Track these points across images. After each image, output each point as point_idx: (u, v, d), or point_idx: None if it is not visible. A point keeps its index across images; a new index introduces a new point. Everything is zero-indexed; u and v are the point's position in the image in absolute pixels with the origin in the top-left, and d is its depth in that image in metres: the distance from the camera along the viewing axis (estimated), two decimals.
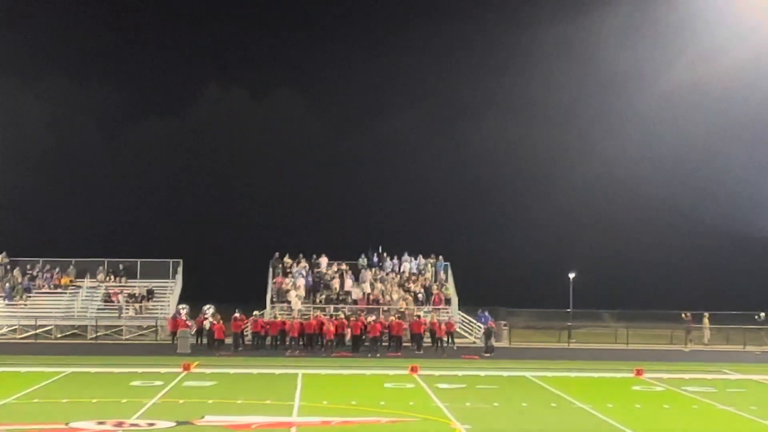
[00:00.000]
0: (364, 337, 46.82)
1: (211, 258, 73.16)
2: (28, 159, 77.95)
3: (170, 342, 47.92)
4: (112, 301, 53.64)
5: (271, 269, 54.61)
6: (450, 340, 48.56)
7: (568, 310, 58.62)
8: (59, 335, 52.01)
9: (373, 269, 55.13)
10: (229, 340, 46.37)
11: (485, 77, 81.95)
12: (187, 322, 48.41)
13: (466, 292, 54.39)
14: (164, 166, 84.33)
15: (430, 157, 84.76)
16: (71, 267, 56.00)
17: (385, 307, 51.22)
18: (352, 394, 30.35)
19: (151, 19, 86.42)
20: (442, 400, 28.82)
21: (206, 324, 47.13)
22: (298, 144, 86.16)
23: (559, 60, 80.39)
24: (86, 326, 52.28)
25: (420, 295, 53.09)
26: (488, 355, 45.22)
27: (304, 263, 55.10)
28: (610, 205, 78.16)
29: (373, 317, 48.11)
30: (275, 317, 49.20)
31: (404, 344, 47.06)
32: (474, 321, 52.23)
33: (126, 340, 51.71)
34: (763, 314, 55.43)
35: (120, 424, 23.57)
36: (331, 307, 51.68)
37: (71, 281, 55.30)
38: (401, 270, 55.54)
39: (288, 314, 50.11)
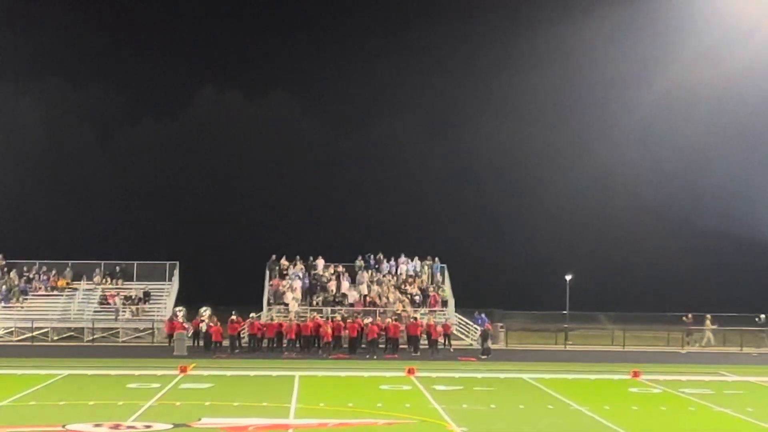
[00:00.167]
0: (361, 339, 46.83)
1: (207, 260, 73.12)
2: (25, 161, 77.84)
3: (167, 344, 47.91)
4: (109, 304, 53.60)
5: (267, 271, 54.60)
6: (447, 342, 48.59)
7: (565, 312, 58.65)
8: (56, 337, 51.99)
9: (370, 271, 55.13)
10: (225, 343, 46.33)
11: (481, 79, 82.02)
12: (184, 324, 48.38)
13: (462, 294, 54.40)
14: (160, 168, 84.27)
15: (427, 158, 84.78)
16: (68, 269, 55.96)
17: (382, 309, 51.22)
18: (349, 396, 30.37)
19: (147, 21, 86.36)
20: (439, 401, 28.83)
21: (202, 326, 47.12)
22: (294, 146, 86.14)
23: (556, 62, 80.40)
24: (83, 328, 52.25)
25: (417, 297, 53.10)
26: (485, 357, 45.23)
27: (300, 265, 55.10)
28: (606, 207, 78.19)
29: (370, 319, 48.09)
30: (272, 319, 49.18)
31: (401, 346, 47.06)
32: (470, 323, 52.23)
33: (123, 342, 51.67)
34: (763, 316, 55.47)
35: (117, 427, 23.55)
36: (328, 309, 51.67)
37: (68, 283, 55.27)
38: (398, 272, 55.55)
39: (285, 316, 50.09)
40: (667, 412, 28.14)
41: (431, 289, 54.03)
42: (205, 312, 48.68)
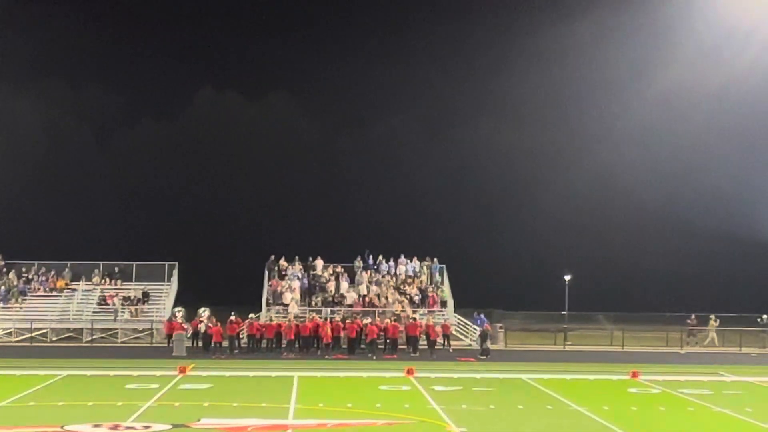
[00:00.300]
0: (360, 339, 46.83)
1: (206, 260, 73.12)
2: (24, 162, 77.85)
3: (166, 345, 47.90)
4: (108, 304, 53.60)
5: (266, 272, 54.60)
6: (446, 343, 48.60)
7: (564, 312, 58.67)
8: (55, 338, 51.97)
9: (369, 272, 55.14)
10: (225, 343, 46.31)
11: (481, 79, 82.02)
12: (183, 324, 48.37)
13: (461, 294, 54.40)
14: (159, 168, 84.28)
15: (426, 159, 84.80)
16: (67, 270, 55.95)
17: (381, 310, 51.22)
18: (348, 396, 30.37)
19: (146, 21, 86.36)
20: (438, 402, 28.84)
21: (201, 327, 47.11)
22: (293, 146, 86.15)
23: (556, 62, 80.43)
24: (82, 329, 52.23)
25: (416, 298, 53.11)
26: (484, 357, 45.24)
27: (299, 266, 55.12)
28: (605, 208, 78.22)
29: (369, 320, 48.09)
30: (271, 320, 49.17)
31: (400, 347, 47.07)
32: (469, 323, 52.24)
33: (121, 343, 51.67)
34: (765, 316, 55.50)
35: (116, 427, 23.55)
36: (327, 309, 51.68)
37: (67, 284, 55.26)
38: (397, 272, 55.56)
39: (284, 317, 50.08)
40: (666, 413, 28.15)
41: (430, 289, 54.04)
42: (204, 312, 48.68)
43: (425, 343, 47.27)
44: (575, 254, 71.63)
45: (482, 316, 51.27)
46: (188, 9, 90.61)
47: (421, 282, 54.84)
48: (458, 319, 52.56)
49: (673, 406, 29.61)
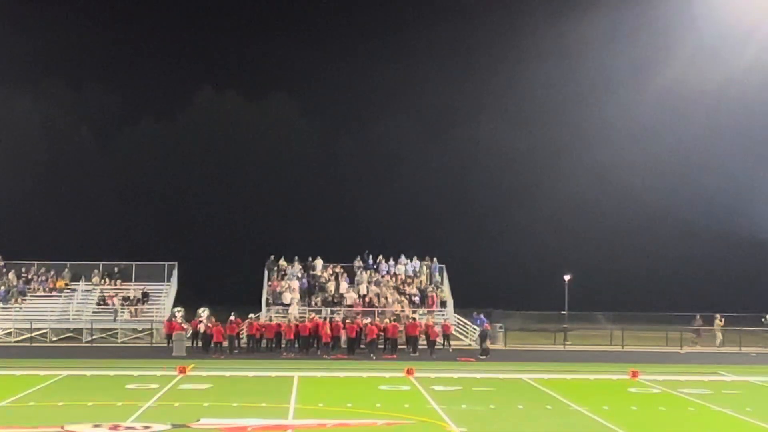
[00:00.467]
0: (360, 339, 46.81)
1: (206, 261, 73.16)
2: (23, 162, 77.85)
3: (166, 345, 47.89)
4: (108, 304, 53.59)
5: (266, 272, 54.60)
6: (446, 343, 48.59)
7: (564, 312, 58.64)
8: (54, 338, 51.95)
9: (369, 272, 55.13)
10: (226, 343, 46.28)
11: (480, 79, 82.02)
12: (183, 325, 48.37)
13: (461, 294, 54.39)
14: (159, 168, 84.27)
15: (425, 159, 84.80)
16: (66, 270, 55.93)
17: (381, 310, 51.21)
18: (348, 396, 30.37)
19: (146, 22, 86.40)
20: (438, 402, 28.83)
21: (201, 327, 47.10)
22: (292, 146, 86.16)
23: (556, 61, 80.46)
24: (81, 329, 52.22)
25: (415, 298, 53.11)
26: (483, 357, 45.23)
27: (299, 266, 55.11)
28: (605, 207, 78.24)
29: (369, 320, 48.08)
30: (271, 320, 49.16)
31: (400, 346, 47.07)
32: (469, 323, 52.24)
33: (121, 343, 51.66)
34: None
35: (116, 427, 23.55)
36: (327, 309, 51.67)
37: (66, 284, 55.25)
38: (397, 272, 55.55)
39: (283, 317, 50.08)
40: (666, 412, 28.15)
41: (430, 289, 54.03)
42: (204, 313, 48.67)
43: (425, 343, 47.27)
44: (575, 254, 71.62)
45: (482, 316, 51.26)
46: (188, 9, 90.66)
47: (420, 282, 54.84)
48: (458, 319, 52.55)
49: (673, 405, 29.60)
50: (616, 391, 33.64)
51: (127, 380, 33.68)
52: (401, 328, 47.88)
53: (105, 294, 54.35)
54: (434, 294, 53.53)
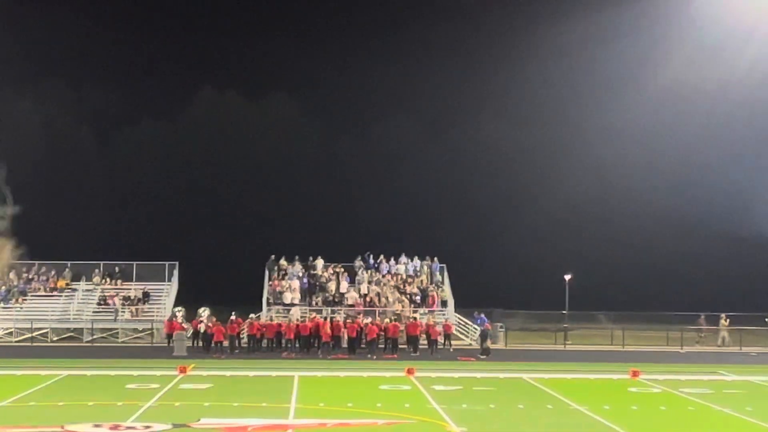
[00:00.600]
0: (361, 339, 46.81)
1: (207, 260, 73.09)
2: (23, 162, 77.76)
3: (166, 345, 47.90)
4: (108, 304, 53.60)
5: (267, 271, 54.60)
6: (447, 342, 48.60)
7: (564, 311, 58.62)
8: (55, 338, 51.98)
9: (369, 271, 55.13)
10: (226, 343, 46.29)
11: (480, 79, 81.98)
12: (183, 324, 48.38)
13: (461, 294, 54.39)
14: (159, 168, 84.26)
15: (426, 158, 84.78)
16: (67, 270, 55.95)
17: (381, 310, 51.21)
18: (349, 396, 30.37)
19: (147, 21, 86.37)
20: (439, 401, 28.83)
21: (201, 327, 47.10)
22: (293, 146, 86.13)
23: (556, 61, 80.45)
24: (82, 329, 52.24)
25: (416, 298, 53.11)
26: (484, 357, 45.24)
27: (299, 265, 55.11)
28: (605, 207, 78.19)
29: (369, 319, 48.09)
30: (271, 319, 49.16)
31: (400, 346, 47.06)
32: (470, 323, 52.25)
33: (122, 342, 51.67)
34: None
35: (116, 427, 23.55)
36: (328, 309, 51.67)
37: (67, 284, 55.26)
38: (397, 272, 55.54)
39: (284, 317, 50.09)
40: (666, 412, 28.14)
41: (431, 289, 54.03)
42: (204, 312, 48.69)
43: (425, 342, 47.28)
44: (575, 253, 71.56)
45: (482, 315, 51.26)
46: (189, 9, 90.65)
47: (421, 281, 54.84)
48: (458, 318, 52.56)
49: (674, 405, 29.60)
50: (616, 390, 33.64)
51: (127, 380, 33.69)
52: (402, 327, 47.88)
53: (106, 294, 54.37)
54: (435, 293, 53.53)
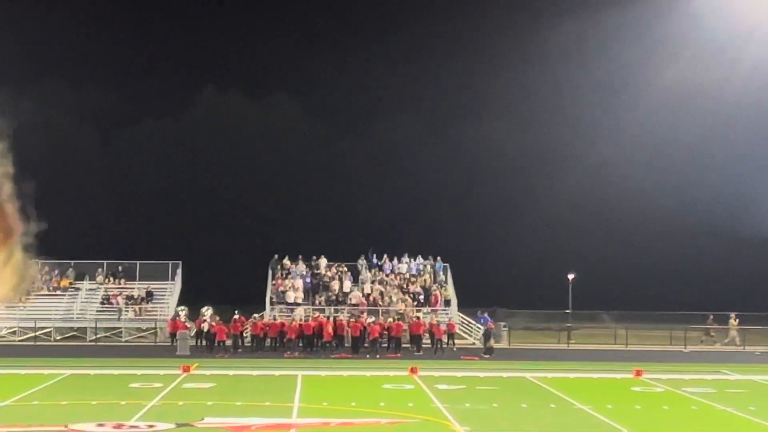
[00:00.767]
0: (364, 338, 46.82)
1: (210, 259, 73.07)
2: (25, 161, 77.79)
3: (169, 344, 47.91)
4: (111, 303, 53.63)
5: (270, 271, 54.62)
6: (450, 342, 48.57)
7: (568, 311, 58.58)
8: (58, 337, 52.00)
9: (372, 270, 55.14)
10: (229, 342, 46.32)
11: (483, 78, 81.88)
12: (186, 323, 48.41)
13: (465, 293, 54.37)
14: (162, 168, 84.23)
15: (429, 158, 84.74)
16: (70, 269, 55.98)
17: (384, 309, 51.21)
18: (352, 395, 30.38)
19: (148, 21, 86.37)
20: (442, 401, 28.84)
21: (204, 326, 47.11)
22: (296, 146, 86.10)
23: (558, 61, 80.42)
24: (85, 328, 52.26)
25: (419, 297, 53.11)
26: (487, 356, 45.23)
27: (303, 265, 55.12)
28: (609, 206, 78.11)
29: (373, 318, 48.10)
30: (275, 319, 49.16)
31: (403, 345, 47.07)
32: (473, 322, 52.25)
33: (125, 342, 51.70)
34: None
35: (120, 426, 23.57)
36: (331, 308, 51.68)
37: (70, 283, 55.29)
38: (400, 271, 55.54)
39: (287, 316, 50.10)
40: (669, 411, 28.14)
41: (434, 288, 54.03)
42: (207, 312, 48.68)
43: (429, 341, 47.28)
44: (579, 253, 71.51)
45: (486, 314, 51.27)
46: (190, 9, 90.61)
47: (424, 281, 54.82)
48: (462, 317, 52.56)
49: (677, 404, 29.60)
50: (620, 390, 33.64)
51: (131, 379, 33.71)
52: (405, 327, 47.89)
53: (109, 293, 54.38)
54: (438, 293, 53.52)
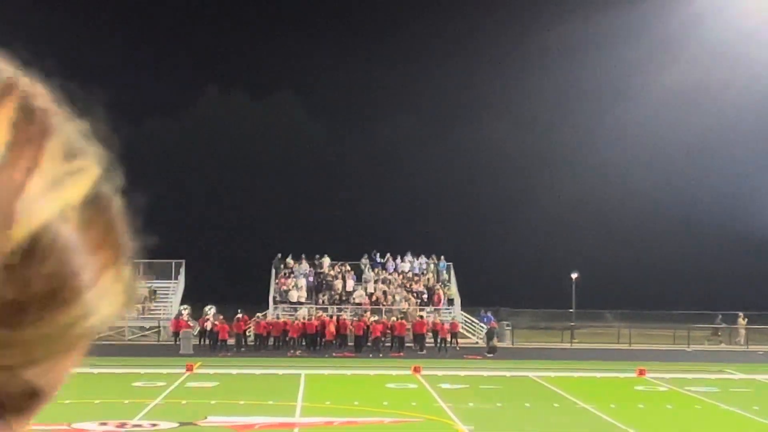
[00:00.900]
0: (367, 337, 46.83)
1: (213, 258, 73.20)
2: None
3: (173, 343, 47.93)
4: None
5: (273, 270, 54.63)
6: (453, 341, 48.57)
7: (571, 310, 58.60)
8: None
9: (376, 269, 55.13)
10: (231, 341, 46.37)
11: (485, 79, 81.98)
12: (190, 322, 48.43)
13: (468, 292, 54.39)
14: (165, 167, 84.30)
15: (432, 158, 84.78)
16: None
17: (388, 308, 51.21)
18: (355, 394, 30.38)
19: (151, 21, 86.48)
20: (445, 400, 28.82)
21: (208, 325, 47.14)
22: (299, 145, 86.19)
23: (559, 63, 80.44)
24: None
25: (423, 296, 53.11)
26: (491, 355, 45.22)
27: (306, 264, 55.14)
28: (612, 206, 78.15)
29: (376, 318, 48.09)
30: (278, 318, 49.18)
31: (407, 345, 47.07)
32: (476, 321, 52.24)
33: (129, 340, 51.70)
34: None
35: (123, 425, 23.58)
36: (334, 307, 51.69)
37: None
38: (404, 270, 55.55)
39: (290, 315, 50.12)
40: (673, 411, 28.13)
41: (437, 287, 54.02)
42: (210, 310, 48.71)
43: (432, 341, 47.29)
44: (582, 252, 71.55)
45: (489, 314, 51.29)
46: (194, 8, 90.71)
47: (428, 280, 54.83)
48: (465, 317, 52.56)
49: (680, 404, 29.58)
50: (623, 389, 33.62)
51: (134, 378, 33.72)
52: (408, 326, 47.89)
53: None
54: (441, 292, 53.52)
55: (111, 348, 47.82)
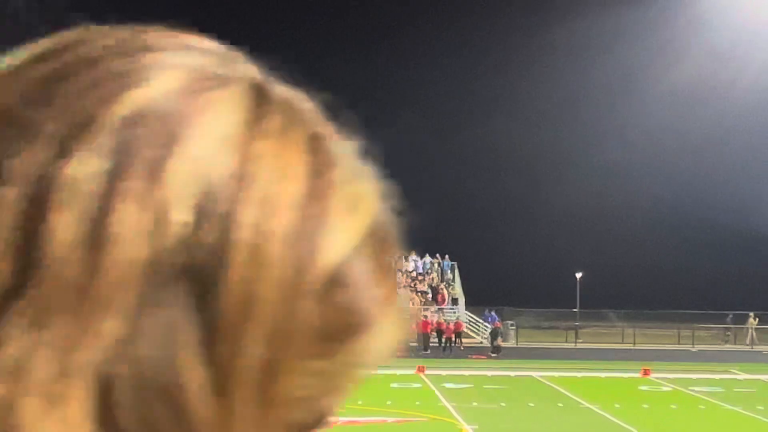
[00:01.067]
0: None
1: None
2: None
3: None
4: None
5: None
6: (457, 341, 48.58)
7: (575, 309, 58.62)
8: None
9: None
10: None
11: (491, 79, 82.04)
12: None
13: (472, 291, 54.48)
14: None
15: (437, 156, 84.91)
16: None
17: None
18: (358, 393, 30.27)
19: (150, 20, 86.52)
20: (449, 400, 28.82)
21: None
22: None
23: (566, 61, 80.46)
24: None
25: (427, 295, 53.10)
26: (495, 355, 45.21)
27: None
28: (616, 206, 78.22)
29: None
30: None
31: (410, 344, 47.04)
32: (481, 321, 52.23)
33: None
34: None
35: None
36: None
37: None
38: (407, 269, 55.54)
39: None
40: (677, 411, 28.09)
41: (442, 286, 54.02)
42: None
43: (436, 340, 47.30)
44: (586, 252, 71.64)
45: (493, 313, 51.28)
46: (189, 7, 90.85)
47: (432, 279, 54.83)
48: (469, 316, 52.55)
49: (685, 404, 29.55)
50: (627, 389, 33.58)
51: None
52: (412, 325, 47.86)
53: None
54: (445, 291, 53.51)
55: None
